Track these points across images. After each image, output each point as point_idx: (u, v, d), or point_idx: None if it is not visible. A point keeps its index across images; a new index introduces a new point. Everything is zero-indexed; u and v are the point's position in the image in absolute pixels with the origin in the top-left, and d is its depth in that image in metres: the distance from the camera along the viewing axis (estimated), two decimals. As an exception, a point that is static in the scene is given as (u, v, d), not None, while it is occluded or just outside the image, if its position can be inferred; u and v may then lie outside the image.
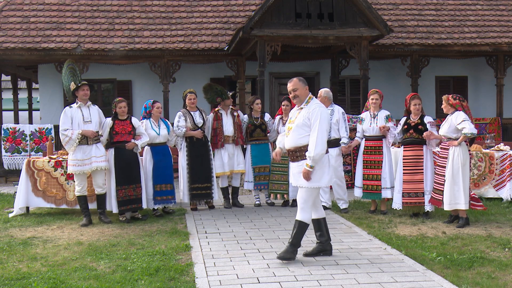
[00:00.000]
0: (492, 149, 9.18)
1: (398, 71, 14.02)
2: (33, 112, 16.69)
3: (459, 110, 6.95)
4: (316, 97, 8.15)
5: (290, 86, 5.52)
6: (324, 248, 5.57)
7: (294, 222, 5.51)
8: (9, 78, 16.06)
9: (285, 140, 5.60)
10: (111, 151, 7.48)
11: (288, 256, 5.36)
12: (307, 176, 5.33)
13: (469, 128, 6.75)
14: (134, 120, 7.64)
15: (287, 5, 10.71)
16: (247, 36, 10.62)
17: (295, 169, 5.49)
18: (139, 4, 13.46)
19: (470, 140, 7.02)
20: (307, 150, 5.32)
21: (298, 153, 5.43)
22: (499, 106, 13.35)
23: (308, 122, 5.35)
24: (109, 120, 7.49)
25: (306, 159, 5.34)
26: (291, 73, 14.17)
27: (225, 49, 12.24)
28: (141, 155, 7.92)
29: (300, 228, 5.45)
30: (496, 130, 13.01)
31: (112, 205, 7.47)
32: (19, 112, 16.18)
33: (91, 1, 13.34)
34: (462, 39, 12.83)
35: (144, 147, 7.86)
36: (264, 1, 10.50)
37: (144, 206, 7.68)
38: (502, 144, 9.43)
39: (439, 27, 13.22)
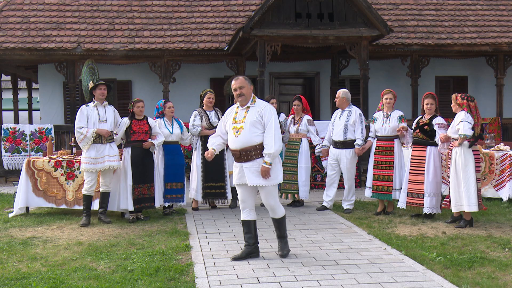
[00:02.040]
0: (492, 149, 9.17)
1: (398, 71, 14.00)
2: (33, 112, 16.69)
3: (465, 110, 6.88)
4: (335, 98, 8.23)
5: (236, 83, 5.44)
6: (252, 251, 5.54)
7: (291, 222, 5.51)
8: (9, 78, 16.06)
9: (234, 140, 5.44)
10: (128, 150, 7.57)
11: (288, 249, 5.58)
12: (268, 173, 5.33)
13: (463, 129, 6.67)
14: (150, 120, 7.76)
15: (287, 5, 10.70)
16: (247, 36, 10.62)
17: (252, 168, 5.36)
18: (139, 4, 13.45)
19: (472, 142, 6.93)
20: (262, 149, 5.32)
21: (253, 152, 5.35)
22: (499, 106, 13.33)
23: (262, 121, 5.35)
24: (126, 120, 7.59)
25: (261, 157, 5.33)
26: (291, 73, 14.32)
27: (225, 49, 12.23)
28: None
29: (279, 222, 5.60)
30: (496, 130, 12.98)
31: (128, 203, 7.50)
32: (19, 112, 16.18)
33: (91, 1, 13.33)
34: (462, 39, 12.81)
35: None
36: (264, 1, 10.49)
37: (157, 205, 7.77)
38: (502, 144, 9.41)
39: (439, 27, 13.21)
